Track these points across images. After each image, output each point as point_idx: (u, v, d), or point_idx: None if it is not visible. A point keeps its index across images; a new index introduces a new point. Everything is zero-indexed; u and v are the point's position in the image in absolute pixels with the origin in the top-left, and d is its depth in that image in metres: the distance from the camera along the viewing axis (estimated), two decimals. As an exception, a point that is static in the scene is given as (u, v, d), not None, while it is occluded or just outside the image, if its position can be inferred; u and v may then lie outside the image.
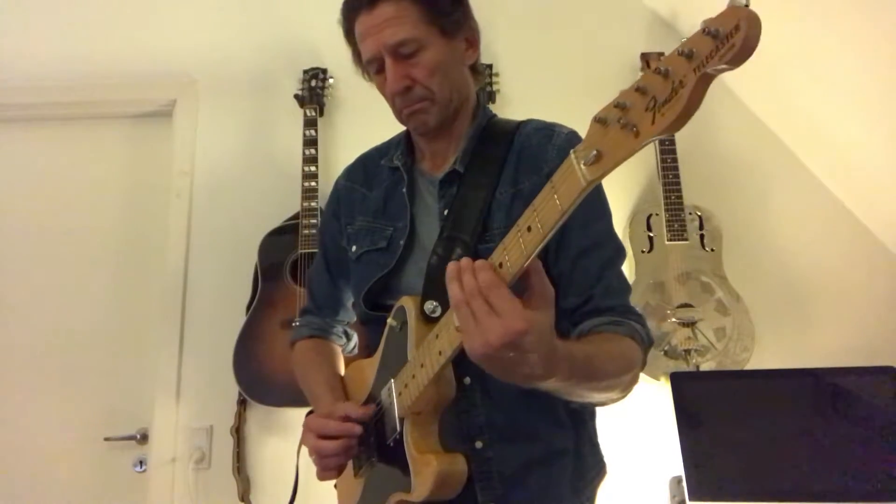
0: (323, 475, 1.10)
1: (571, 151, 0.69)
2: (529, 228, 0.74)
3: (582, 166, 0.67)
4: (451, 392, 0.98)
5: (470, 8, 1.14)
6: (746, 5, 0.53)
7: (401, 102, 1.08)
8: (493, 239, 1.03)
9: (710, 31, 0.55)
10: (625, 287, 1.07)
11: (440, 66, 1.07)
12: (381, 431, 1.05)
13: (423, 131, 1.12)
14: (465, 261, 0.78)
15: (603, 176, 0.66)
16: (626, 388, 0.97)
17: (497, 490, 1.02)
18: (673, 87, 0.58)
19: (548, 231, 0.72)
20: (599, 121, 0.66)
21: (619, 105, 0.63)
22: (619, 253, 1.08)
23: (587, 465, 1.10)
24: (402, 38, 1.04)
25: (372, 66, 1.09)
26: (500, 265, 0.77)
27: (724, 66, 0.55)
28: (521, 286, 0.77)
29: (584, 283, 1.03)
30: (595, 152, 0.65)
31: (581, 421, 1.11)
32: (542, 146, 1.09)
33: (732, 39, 0.53)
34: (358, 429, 1.05)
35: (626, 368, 0.95)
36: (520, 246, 0.75)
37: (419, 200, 1.15)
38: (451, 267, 0.78)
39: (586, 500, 1.10)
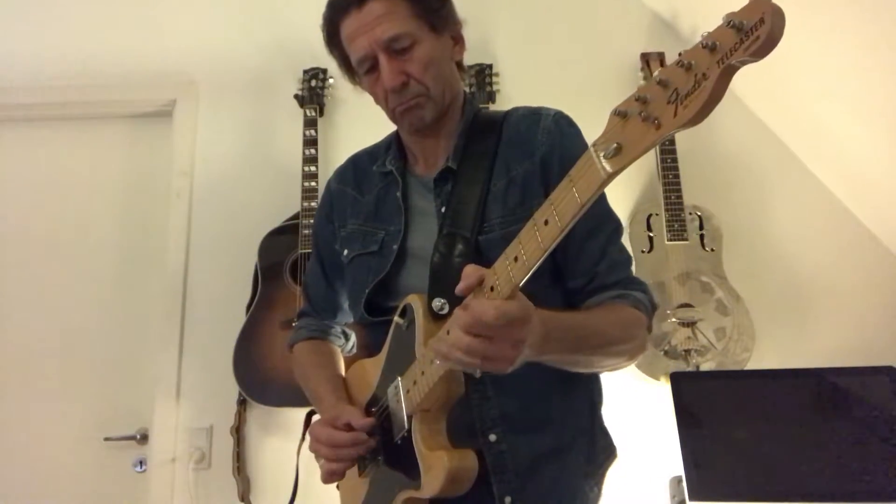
0: (330, 479, 1.10)
1: (591, 146, 0.69)
2: (546, 222, 0.74)
3: (602, 159, 0.67)
4: (460, 389, 0.98)
5: (454, 5, 1.15)
6: None
7: (395, 100, 1.08)
8: (492, 230, 1.05)
9: (735, 23, 0.55)
10: (626, 259, 1.10)
11: (433, 61, 1.07)
12: (388, 430, 1.05)
13: (418, 128, 1.11)
14: (434, 341, 0.86)
15: (623, 168, 0.66)
16: (633, 355, 1.03)
17: (513, 483, 1.02)
18: (696, 79, 0.58)
19: (566, 224, 0.72)
20: (619, 114, 0.66)
21: (639, 98, 0.63)
22: (618, 228, 1.11)
23: (598, 448, 1.12)
24: (396, 33, 1.04)
25: (363, 66, 1.08)
26: (516, 259, 0.78)
27: (747, 59, 0.55)
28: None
29: (588, 263, 1.06)
30: (615, 145, 0.65)
31: (591, 406, 1.13)
32: (531, 131, 1.10)
33: (757, 32, 0.54)
34: (365, 438, 1.05)
35: (628, 334, 1.01)
36: (536, 239, 0.76)
37: (413, 203, 1.15)
38: (436, 353, 0.86)
39: (595, 484, 1.10)
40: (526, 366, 1.04)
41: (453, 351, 0.81)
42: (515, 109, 1.17)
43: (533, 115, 1.13)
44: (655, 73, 0.62)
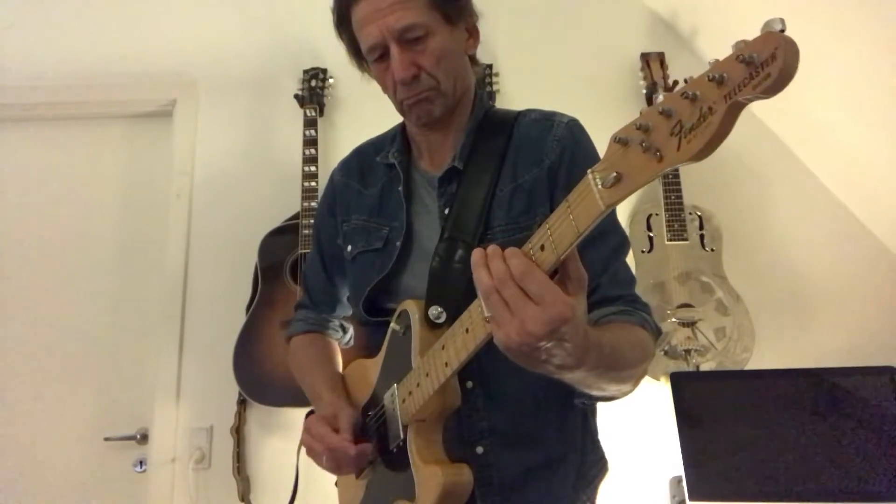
0: (339, 472, 1.10)
1: (589, 171, 0.66)
2: (543, 247, 0.71)
3: (600, 188, 0.64)
4: (456, 401, 0.96)
5: None
6: (783, 30, 0.50)
7: (404, 92, 1.04)
8: (494, 237, 1.02)
9: (744, 57, 0.51)
10: (630, 277, 1.05)
11: (446, 54, 1.04)
12: (384, 435, 1.04)
13: (426, 122, 1.08)
14: (493, 247, 0.74)
15: (622, 199, 0.63)
16: (638, 381, 0.95)
17: (496, 497, 1.01)
18: (701, 113, 0.55)
19: (562, 252, 0.70)
20: (620, 141, 0.62)
21: (641, 126, 0.60)
22: (624, 243, 1.06)
23: (589, 463, 1.09)
24: (410, 23, 1.00)
25: (373, 54, 1.04)
26: None
27: (758, 96, 0.51)
28: (555, 271, 0.74)
29: (590, 273, 0.98)
30: (615, 174, 0.62)
31: (584, 420, 1.10)
32: (543, 138, 1.07)
33: (768, 69, 0.50)
34: (352, 451, 1.01)
35: (642, 359, 0.93)
36: None
37: (416, 200, 1.13)
38: (477, 253, 0.74)
39: (587, 499, 1.08)
40: (521, 380, 1.01)
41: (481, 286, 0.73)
42: (528, 112, 1.13)
43: (546, 121, 1.09)
44: (659, 101, 0.58)
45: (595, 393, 0.91)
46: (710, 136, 0.54)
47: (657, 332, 1.00)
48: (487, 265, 0.73)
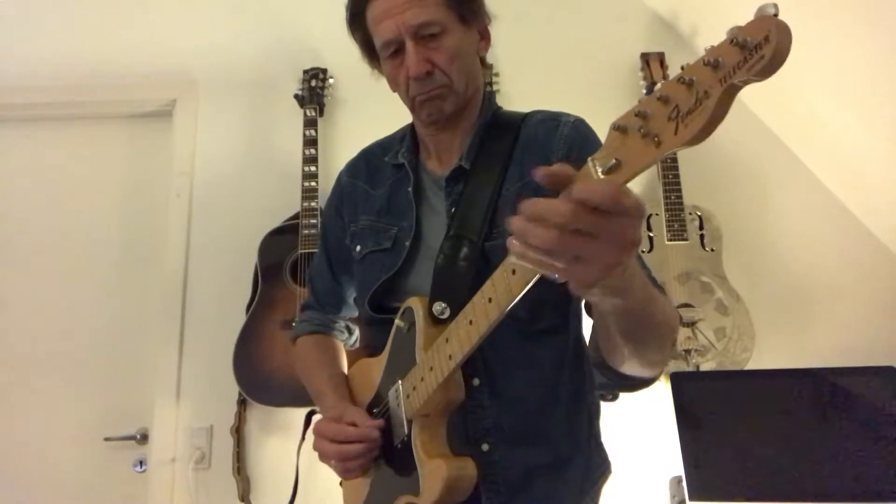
0: (348, 476, 1.09)
1: (589, 159, 0.66)
2: None
3: (600, 175, 0.64)
4: (460, 395, 0.97)
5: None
6: (776, 14, 0.51)
7: (416, 88, 1.05)
8: (500, 236, 1.02)
9: (738, 41, 0.52)
10: (644, 263, 1.02)
11: (459, 54, 1.05)
12: (388, 432, 1.04)
13: (436, 119, 1.09)
14: (527, 202, 0.65)
15: (622, 185, 0.63)
16: (667, 360, 0.92)
17: (502, 495, 1.01)
18: (697, 97, 0.56)
19: None
20: (618, 128, 0.63)
21: (639, 113, 0.61)
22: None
23: (593, 465, 1.09)
24: (426, 20, 1.01)
25: (387, 50, 1.06)
26: (514, 272, 0.75)
27: (752, 78, 0.53)
28: None
29: None
30: (614, 161, 0.63)
31: (589, 421, 1.10)
32: (549, 137, 1.07)
33: (762, 51, 0.51)
34: (375, 433, 1.03)
35: (674, 317, 0.90)
36: None
37: (424, 200, 1.13)
38: (517, 221, 0.65)
39: (591, 501, 1.09)
40: (528, 378, 0.99)
41: (530, 251, 0.64)
42: (535, 113, 1.14)
43: (552, 121, 1.10)
44: (656, 88, 0.60)
45: (633, 369, 0.87)
46: (706, 120, 0.55)
47: (676, 312, 0.98)
48: (534, 222, 0.63)
